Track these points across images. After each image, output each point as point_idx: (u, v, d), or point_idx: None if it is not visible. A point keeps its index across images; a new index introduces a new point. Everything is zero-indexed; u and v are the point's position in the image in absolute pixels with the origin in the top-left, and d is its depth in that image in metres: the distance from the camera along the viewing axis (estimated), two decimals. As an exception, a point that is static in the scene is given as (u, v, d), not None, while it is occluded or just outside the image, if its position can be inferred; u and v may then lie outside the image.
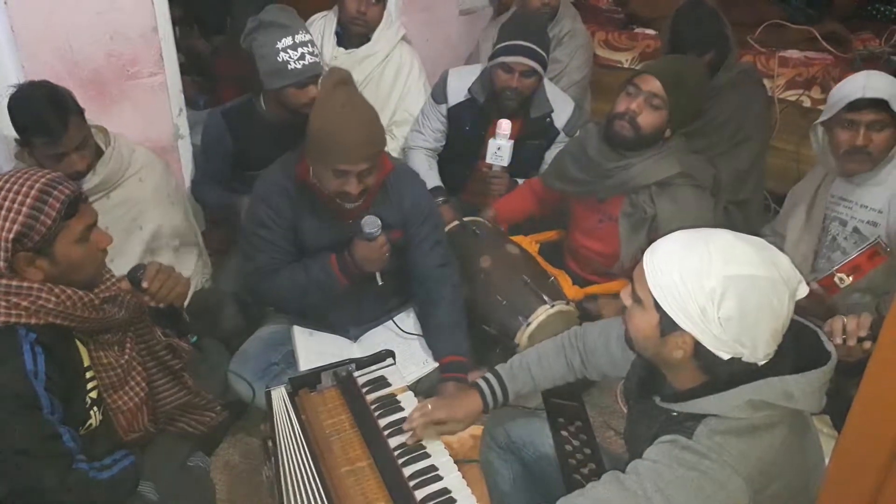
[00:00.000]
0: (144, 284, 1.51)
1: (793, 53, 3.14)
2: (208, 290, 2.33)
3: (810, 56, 3.11)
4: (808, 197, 2.11)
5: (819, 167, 2.15)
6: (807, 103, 3.00)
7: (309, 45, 2.23)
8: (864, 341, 1.42)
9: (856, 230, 1.96)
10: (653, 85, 2.02)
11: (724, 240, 1.12)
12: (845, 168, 1.94)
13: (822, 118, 1.96)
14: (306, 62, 2.20)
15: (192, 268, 2.27)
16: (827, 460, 1.31)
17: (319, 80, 2.20)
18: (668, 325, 1.13)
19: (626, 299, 1.24)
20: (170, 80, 2.43)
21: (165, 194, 2.21)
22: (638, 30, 3.51)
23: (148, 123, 2.43)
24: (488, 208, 2.56)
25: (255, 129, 2.37)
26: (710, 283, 1.07)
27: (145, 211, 2.13)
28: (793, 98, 3.05)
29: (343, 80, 1.82)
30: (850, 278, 1.68)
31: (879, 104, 1.82)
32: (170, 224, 2.20)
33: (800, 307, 1.71)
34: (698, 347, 1.12)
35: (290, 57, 2.18)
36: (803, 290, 1.14)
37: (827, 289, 1.71)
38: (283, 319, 2.15)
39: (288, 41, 2.18)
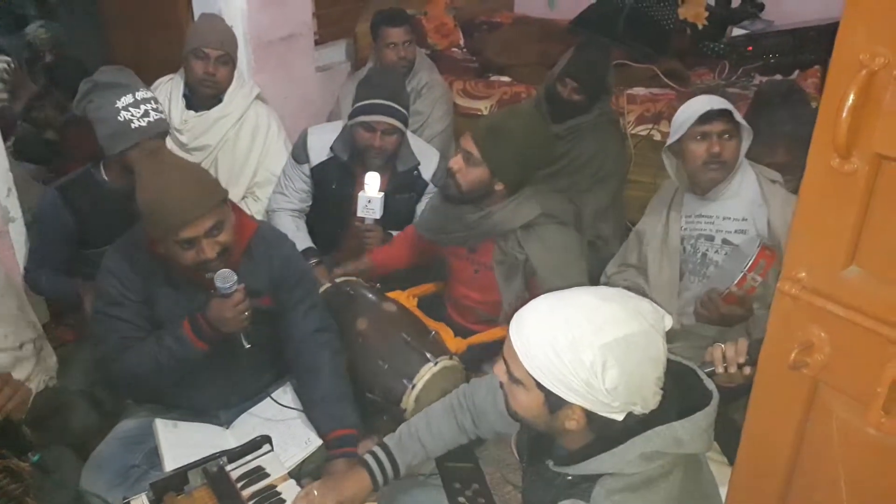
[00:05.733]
0: None
1: (639, 91, 3.33)
2: (53, 390, 2.06)
3: (655, 92, 3.32)
4: (660, 225, 2.18)
5: (657, 199, 2.27)
6: (657, 136, 3.16)
7: (152, 101, 2.10)
8: (743, 367, 1.45)
9: (725, 241, 2.06)
10: (467, 143, 2.05)
11: (587, 305, 1.10)
12: (704, 179, 2.04)
13: (673, 138, 2.05)
14: (151, 119, 2.06)
15: (30, 369, 2.01)
16: (720, 487, 1.31)
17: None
18: (555, 402, 1.11)
19: (503, 377, 1.19)
20: (-7, 158, 2.19)
21: (-9, 289, 1.96)
22: (494, 77, 3.60)
23: (-31, 209, 2.18)
24: (362, 261, 2.46)
25: (96, 202, 2.17)
26: (588, 356, 1.05)
27: (-33, 310, 1.88)
28: (644, 132, 3.21)
29: (152, 149, 1.74)
30: (759, 277, 1.77)
31: (724, 115, 1.98)
32: (-1, 321, 1.95)
33: (729, 314, 1.80)
34: (590, 415, 1.10)
35: (132, 115, 2.03)
36: (668, 322, 1.14)
37: (745, 290, 1.78)
38: (143, 413, 1.93)
39: (129, 98, 2.04)
